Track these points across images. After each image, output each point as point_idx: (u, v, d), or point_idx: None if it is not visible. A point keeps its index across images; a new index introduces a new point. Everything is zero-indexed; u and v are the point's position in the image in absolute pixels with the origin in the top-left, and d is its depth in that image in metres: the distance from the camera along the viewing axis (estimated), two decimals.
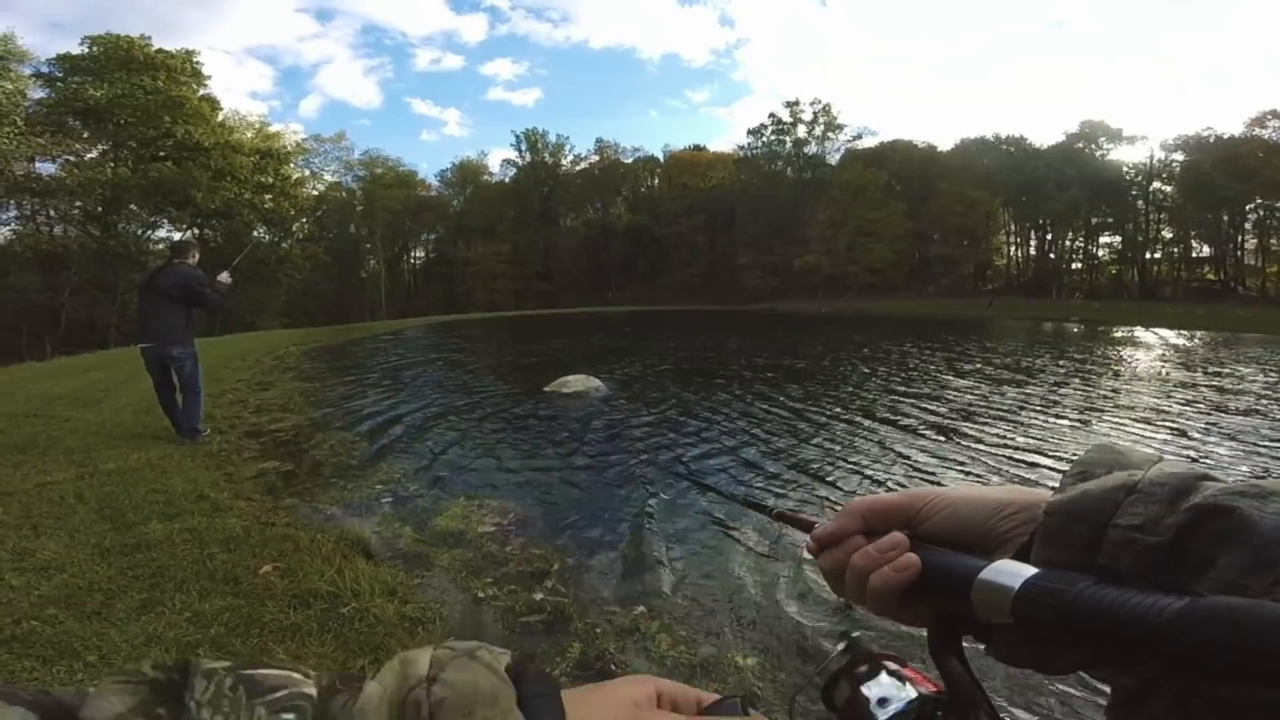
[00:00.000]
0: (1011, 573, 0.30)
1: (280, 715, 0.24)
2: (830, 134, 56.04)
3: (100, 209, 32.81)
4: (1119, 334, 21.10)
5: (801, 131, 56.06)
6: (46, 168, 31.00)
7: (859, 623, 2.52)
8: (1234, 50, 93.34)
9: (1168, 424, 6.41)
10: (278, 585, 2.64)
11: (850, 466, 4.81)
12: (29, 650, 2.14)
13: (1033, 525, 0.34)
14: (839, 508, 0.41)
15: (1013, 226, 52.97)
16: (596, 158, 63.15)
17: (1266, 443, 5.64)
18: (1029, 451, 5.23)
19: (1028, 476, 4.63)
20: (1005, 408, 7.05)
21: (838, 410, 6.90)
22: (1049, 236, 50.94)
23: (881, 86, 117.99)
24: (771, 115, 57.06)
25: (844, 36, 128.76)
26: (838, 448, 5.36)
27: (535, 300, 51.12)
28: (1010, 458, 5.07)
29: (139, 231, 35.07)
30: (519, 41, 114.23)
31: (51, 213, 32.18)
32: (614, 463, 4.92)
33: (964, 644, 0.35)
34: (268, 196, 39.31)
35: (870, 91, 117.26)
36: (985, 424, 6.23)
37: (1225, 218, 43.27)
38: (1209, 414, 6.94)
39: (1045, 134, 70.58)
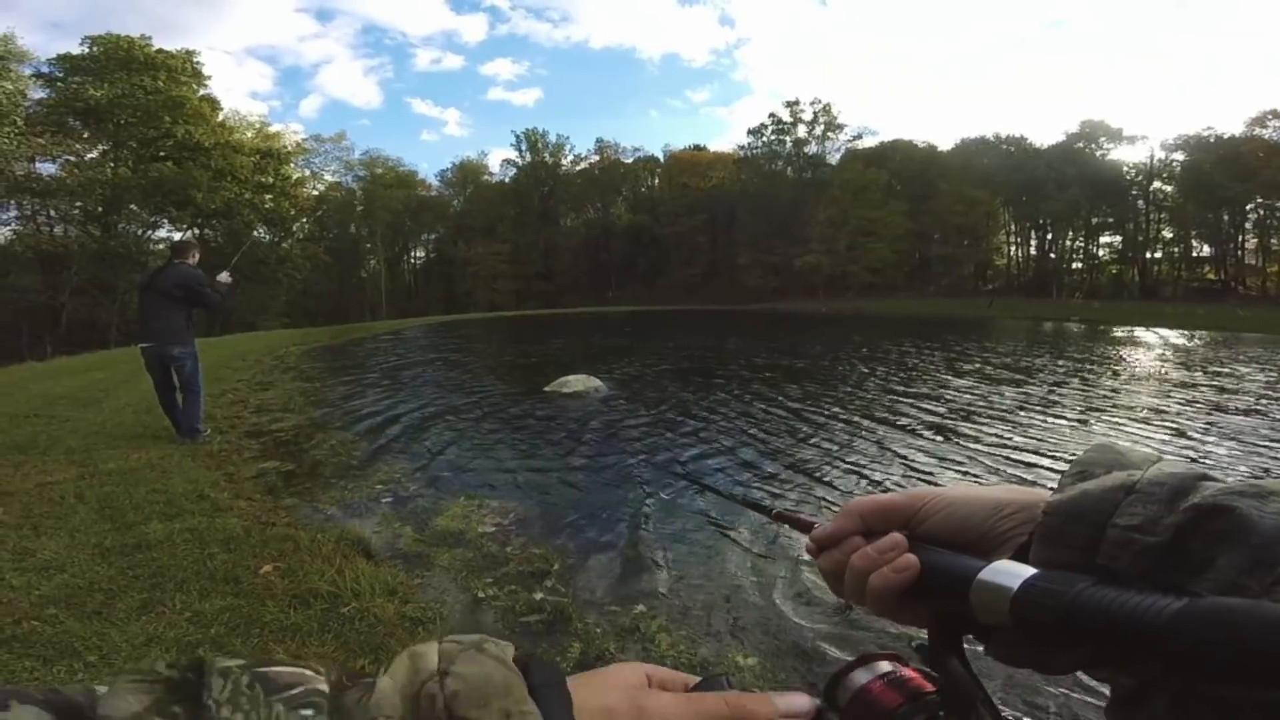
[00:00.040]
0: (1010, 573, 0.30)
1: (299, 712, 0.24)
2: (830, 134, 56.10)
3: (100, 209, 32.82)
4: (1119, 334, 21.09)
5: (802, 131, 56.12)
6: (47, 168, 31.08)
7: (858, 623, 2.52)
8: (1234, 50, 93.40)
9: (1167, 424, 6.41)
10: (278, 585, 2.64)
11: (849, 466, 4.81)
12: (29, 650, 2.14)
13: (1032, 525, 0.34)
14: (838, 508, 0.41)
15: (1013, 226, 52.97)
16: (597, 158, 63.19)
17: (1266, 443, 5.64)
18: (1028, 452, 5.22)
19: (1024, 476, 4.62)
20: (1004, 408, 7.05)
21: (837, 410, 6.90)
22: (1049, 236, 50.95)
23: (881, 86, 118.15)
24: (772, 115, 57.17)
25: (844, 36, 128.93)
26: (836, 448, 5.36)
27: (535, 300, 51.12)
28: (1009, 458, 5.07)
29: (139, 231, 35.09)
30: (519, 41, 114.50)
31: (52, 213, 32.18)
32: (614, 462, 4.93)
33: (964, 644, 0.35)
34: (268, 196, 39.33)
35: (870, 91, 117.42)
36: (984, 424, 6.23)
37: (1226, 217, 43.27)
38: (1208, 414, 6.94)
39: (1045, 134, 70.76)
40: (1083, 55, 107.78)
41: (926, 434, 5.82)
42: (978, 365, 11.12)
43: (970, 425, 6.16)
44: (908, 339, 16.50)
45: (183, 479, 4.09)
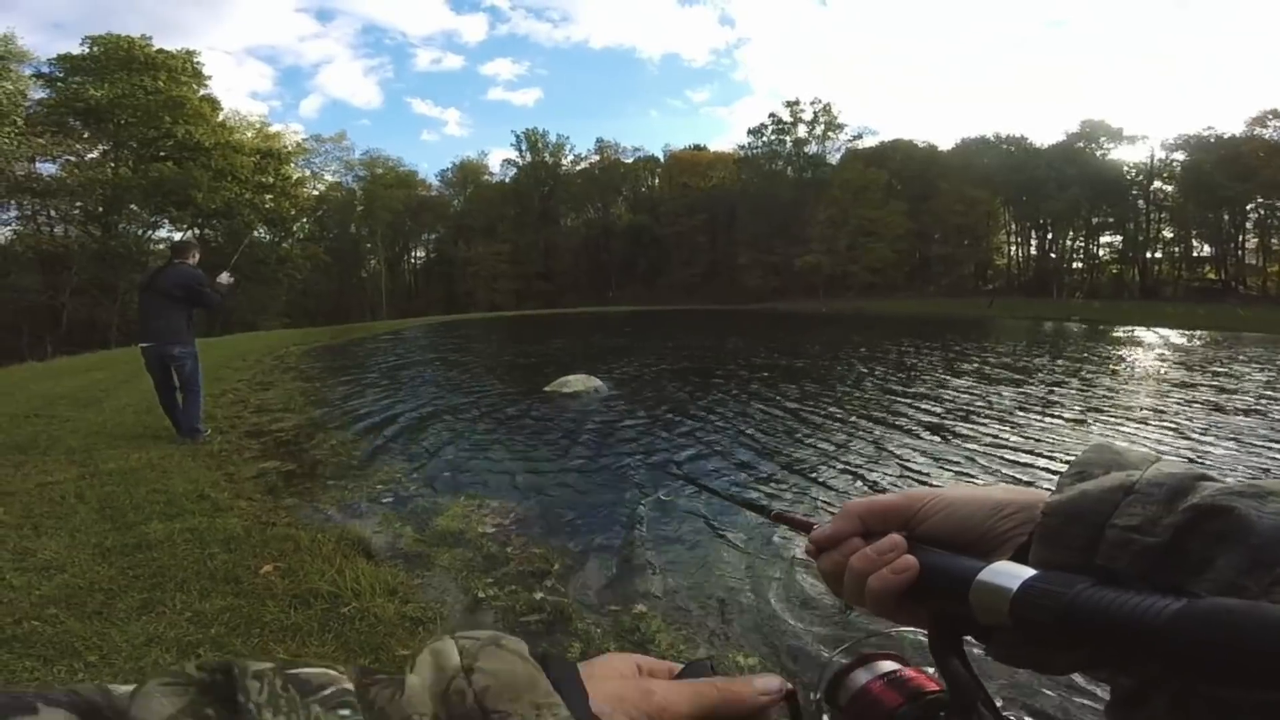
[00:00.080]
0: (1009, 574, 0.31)
1: (337, 712, 0.24)
2: (830, 134, 56.13)
3: (101, 209, 32.85)
4: (1120, 333, 21.08)
5: (802, 131, 56.15)
6: (47, 168, 31.12)
7: (858, 623, 2.52)
8: (1234, 50, 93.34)
9: (1166, 424, 6.41)
10: (278, 585, 2.64)
11: (847, 467, 4.81)
12: (30, 650, 2.15)
13: (1031, 526, 0.34)
14: (837, 509, 0.42)
15: (1013, 226, 52.98)
16: (597, 157, 63.21)
17: (1265, 443, 5.64)
18: (1027, 452, 5.22)
19: (1021, 477, 4.62)
20: (1003, 408, 7.05)
21: (836, 410, 6.90)
22: (1050, 236, 50.95)
23: (881, 86, 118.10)
24: (772, 115, 57.18)
25: (844, 36, 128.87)
26: (835, 448, 5.36)
27: (536, 300, 51.13)
28: (1007, 458, 5.07)
29: (140, 231, 35.12)
30: (519, 41, 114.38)
31: (52, 213, 32.21)
32: (614, 462, 4.93)
33: (965, 645, 0.35)
34: (268, 196, 39.35)
35: (870, 91, 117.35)
36: (983, 424, 6.22)
37: (1226, 217, 43.27)
38: (1208, 414, 6.94)
39: (1046, 133, 70.78)
40: (1083, 55, 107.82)
41: (925, 434, 5.82)
42: (977, 365, 11.11)
43: (969, 425, 6.16)
44: (908, 339, 16.50)
45: (183, 479, 4.09)
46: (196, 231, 35.60)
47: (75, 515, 3.41)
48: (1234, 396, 8.05)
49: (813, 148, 56.25)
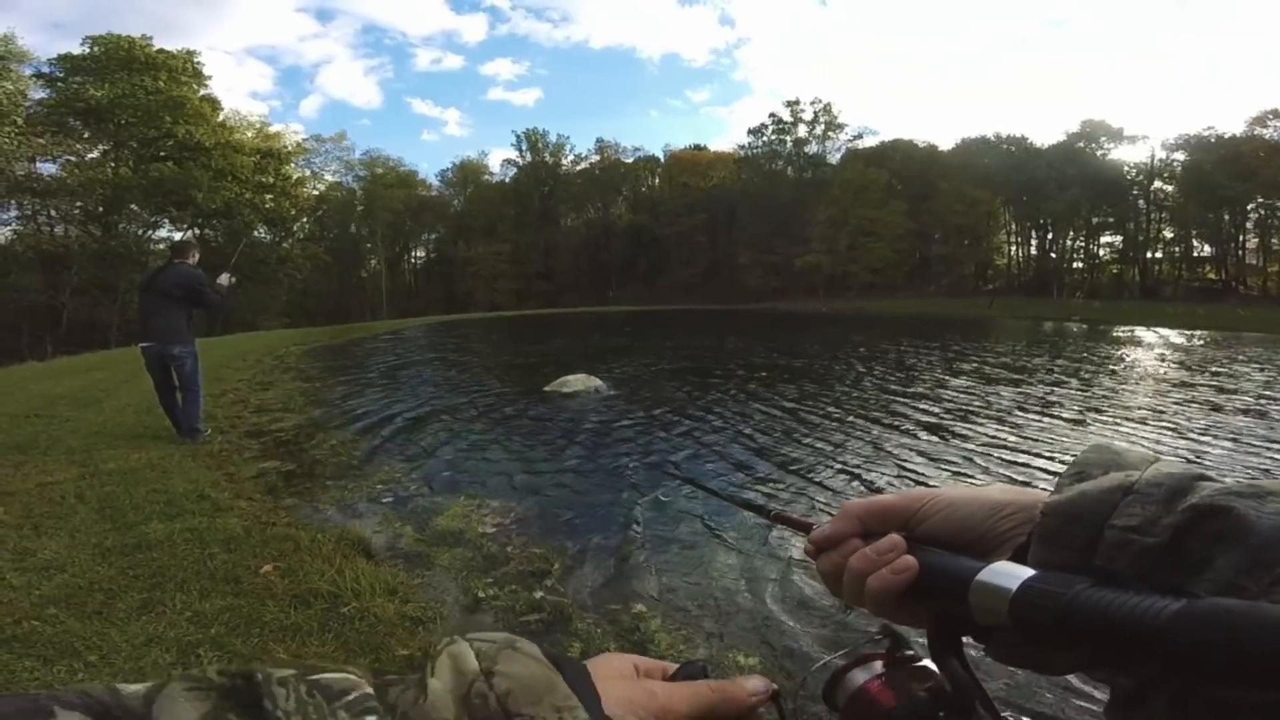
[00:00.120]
0: (1008, 574, 0.31)
1: (363, 718, 0.25)
2: (831, 133, 56.11)
3: (101, 209, 32.85)
4: (1120, 333, 21.08)
5: (802, 131, 56.14)
6: (47, 168, 31.14)
7: (856, 624, 2.52)
8: (1234, 50, 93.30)
9: (1165, 424, 6.41)
10: (278, 585, 2.64)
11: (846, 467, 4.81)
12: (29, 650, 2.15)
13: (1030, 526, 0.34)
14: (836, 509, 0.42)
15: (1013, 226, 52.97)
16: (597, 157, 63.18)
17: (1264, 443, 5.64)
18: (1025, 453, 5.21)
19: (1018, 478, 4.62)
20: (1002, 408, 7.05)
21: (834, 410, 6.90)
22: (1050, 236, 50.94)
23: (881, 86, 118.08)
24: (772, 115, 57.18)
25: (844, 36, 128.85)
26: (833, 448, 5.36)
27: (536, 300, 51.12)
28: (1005, 459, 5.07)
29: (140, 231, 35.12)
30: (519, 41, 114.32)
31: (52, 213, 32.21)
32: (613, 462, 4.93)
33: (964, 645, 0.35)
34: (268, 196, 39.36)
35: (870, 91, 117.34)
36: (981, 424, 6.23)
37: (1226, 217, 43.26)
38: (1207, 414, 6.94)
39: (1046, 133, 70.70)
40: (1083, 55, 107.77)
41: (923, 434, 5.82)
42: (976, 365, 11.11)
43: (967, 425, 6.16)
44: (907, 339, 16.50)
45: (183, 479, 4.09)
46: (196, 231, 35.60)
47: (75, 515, 3.41)
48: (1233, 396, 8.05)
49: (813, 147, 56.29)
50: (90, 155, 33.28)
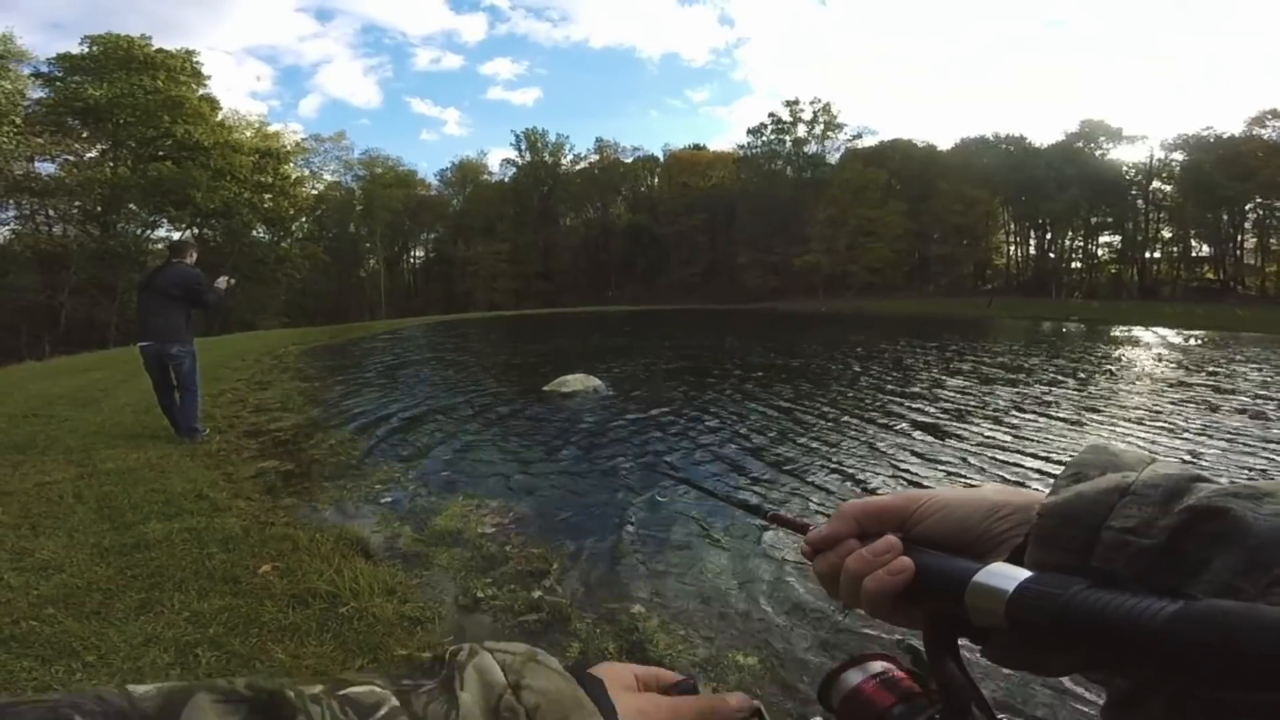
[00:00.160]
0: (1005, 576, 0.31)
1: None
2: (830, 133, 56.10)
3: (99, 208, 32.82)
4: (1118, 333, 21.10)
5: (801, 131, 56.11)
6: (46, 167, 31.12)
7: (855, 624, 2.52)
8: (1234, 50, 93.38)
9: (1163, 424, 6.41)
10: (277, 585, 2.64)
11: (843, 468, 4.81)
12: (27, 650, 2.14)
13: (1027, 527, 0.34)
14: (833, 510, 0.42)
15: (1012, 226, 53.00)
16: (596, 157, 63.17)
17: (1261, 443, 5.64)
18: (1022, 453, 5.22)
19: (1012, 478, 4.62)
20: (999, 408, 7.05)
21: (833, 411, 6.90)
22: (1049, 236, 50.97)
23: (881, 86, 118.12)
24: (771, 114, 57.14)
25: (844, 36, 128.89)
26: (830, 448, 5.36)
27: (535, 300, 51.09)
28: (1001, 459, 5.07)
29: (138, 231, 35.11)
30: (518, 41, 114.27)
31: (51, 212, 32.19)
32: (612, 462, 4.92)
33: (961, 645, 0.35)
34: (267, 196, 39.33)
35: (870, 91, 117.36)
36: (978, 424, 6.23)
37: (1225, 217, 43.31)
38: (1205, 414, 6.94)
39: (1045, 133, 70.59)
40: (1083, 55, 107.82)
41: (920, 434, 5.82)
42: (973, 365, 11.12)
43: (963, 426, 6.16)
44: (906, 339, 16.50)
45: (181, 479, 4.09)
46: (195, 231, 35.59)
47: (73, 515, 3.40)
48: (1231, 396, 8.06)
49: (812, 147, 56.28)
50: (89, 155, 33.28)
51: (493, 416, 6.65)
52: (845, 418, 6.51)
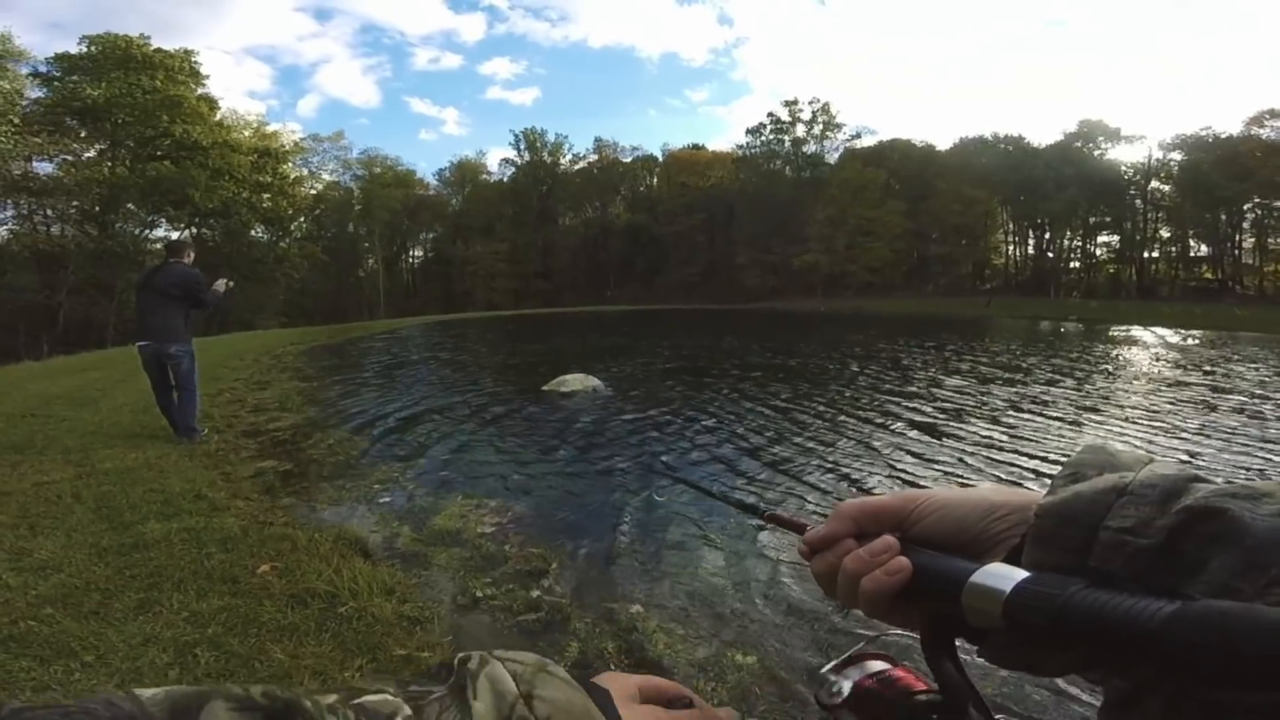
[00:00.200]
0: (1002, 576, 0.31)
1: None
2: (829, 133, 56.11)
3: (98, 208, 32.78)
4: (1116, 333, 21.12)
5: (800, 130, 56.12)
6: (44, 167, 31.05)
7: (853, 625, 2.53)
8: (1233, 50, 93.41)
9: (1161, 424, 6.42)
10: (275, 585, 2.64)
11: (842, 468, 4.82)
12: (26, 650, 2.14)
13: (1024, 527, 0.34)
14: (830, 510, 0.42)
15: (1011, 226, 53.04)
16: (595, 157, 63.15)
17: (1259, 443, 5.65)
18: (1019, 453, 5.22)
19: (1009, 478, 4.63)
20: (997, 407, 7.06)
21: (830, 410, 6.91)
22: (1047, 236, 51.01)
23: (880, 86, 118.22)
24: (770, 114, 57.14)
25: (843, 36, 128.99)
26: (828, 448, 5.37)
27: (534, 299, 51.08)
28: (998, 459, 5.07)
29: (136, 231, 35.05)
30: (517, 41, 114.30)
31: (49, 212, 32.15)
32: (611, 462, 4.93)
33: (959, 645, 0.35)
34: (266, 195, 39.30)
35: (869, 91, 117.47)
36: (976, 424, 6.23)
37: (1223, 217, 43.38)
38: (1203, 414, 6.95)
39: (1044, 133, 70.72)
40: (1082, 55, 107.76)
41: (918, 434, 5.83)
42: (971, 365, 11.13)
43: (960, 425, 6.17)
44: (904, 338, 16.52)
45: (180, 478, 4.08)
46: (194, 230, 35.55)
47: (72, 515, 3.40)
48: (1228, 396, 8.07)
49: (811, 147, 56.28)
50: (87, 154, 33.18)
51: (492, 416, 6.65)
52: (842, 417, 6.51)
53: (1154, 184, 46.20)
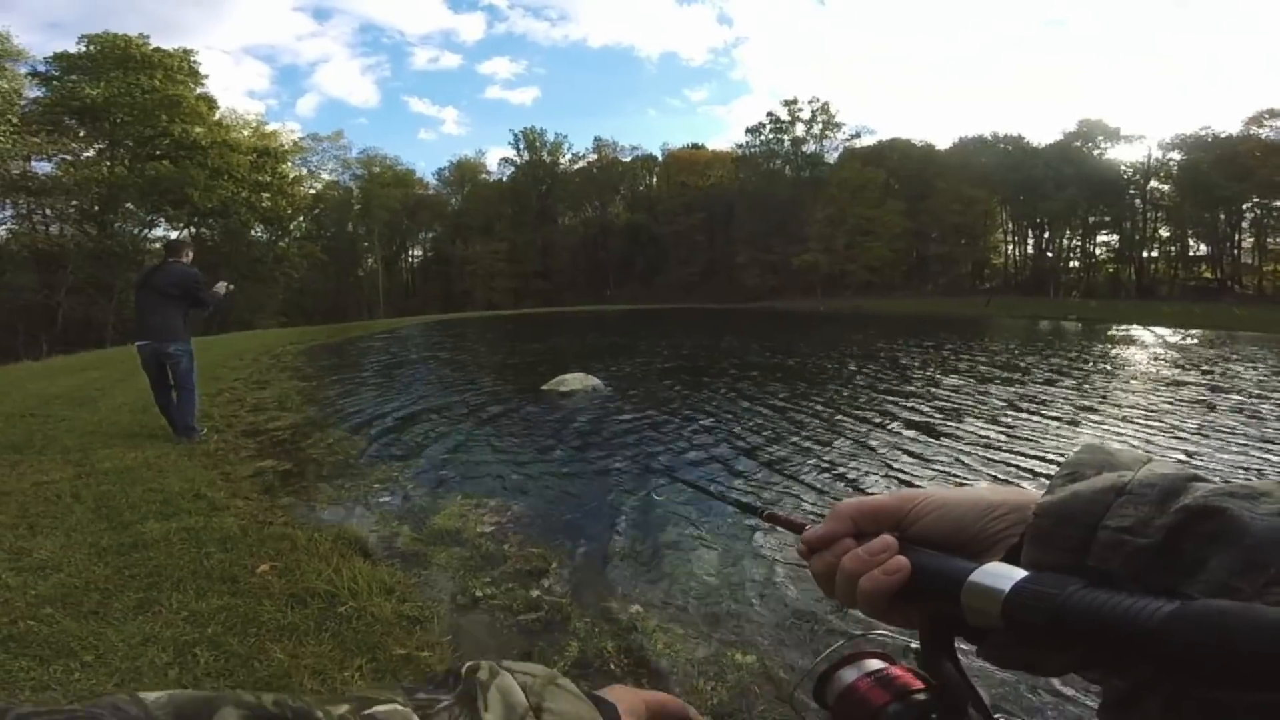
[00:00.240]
0: (1001, 575, 0.30)
1: None
2: (828, 133, 56.11)
3: (97, 208, 32.75)
4: (1115, 332, 21.14)
5: (800, 130, 56.12)
6: (43, 166, 31.04)
7: (852, 624, 2.53)
8: (1233, 50, 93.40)
9: (1159, 423, 6.43)
10: (275, 584, 2.64)
11: (841, 468, 4.82)
12: (25, 650, 2.14)
13: (1023, 527, 0.34)
14: (829, 509, 0.42)
15: (1010, 225, 53.05)
16: (595, 156, 63.12)
17: (1257, 442, 5.66)
18: (1017, 453, 5.23)
19: (1007, 478, 4.63)
20: (995, 407, 7.07)
21: (828, 410, 6.91)
22: (1047, 235, 51.03)
23: (880, 85, 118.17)
24: (770, 114, 57.12)
25: (842, 35, 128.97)
26: (826, 448, 5.37)
27: (533, 299, 51.04)
28: (996, 458, 5.08)
29: (135, 230, 35.02)
30: (517, 40, 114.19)
31: (48, 211, 32.14)
32: (610, 461, 4.93)
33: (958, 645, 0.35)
34: (265, 195, 39.27)
35: (869, 90, 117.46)
36: (974, 423, 6.24)
37: (1222, 216, 43.41)
38: (1201, 413, 6.96)
39: (1043, 133, 70.46)
40: (1081, 55, 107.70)
41: (916, 434, 5.83)
42: (970, 364, 11.13)
43: (959, 425, 6.18)
44: (903, 338, 16.52)
45: (179, 478, 4.08)
46: (193, 230, 35.51)
47: (71, 515, 3.40)
48: (1227, 395, 8.08)
49: (810, 147, 56.27)
50: (86, 154, 33.18)
51: (492, 415, 6.64)
52: (840, 417, 6.51)
53: (1153, 183, 46.25)
